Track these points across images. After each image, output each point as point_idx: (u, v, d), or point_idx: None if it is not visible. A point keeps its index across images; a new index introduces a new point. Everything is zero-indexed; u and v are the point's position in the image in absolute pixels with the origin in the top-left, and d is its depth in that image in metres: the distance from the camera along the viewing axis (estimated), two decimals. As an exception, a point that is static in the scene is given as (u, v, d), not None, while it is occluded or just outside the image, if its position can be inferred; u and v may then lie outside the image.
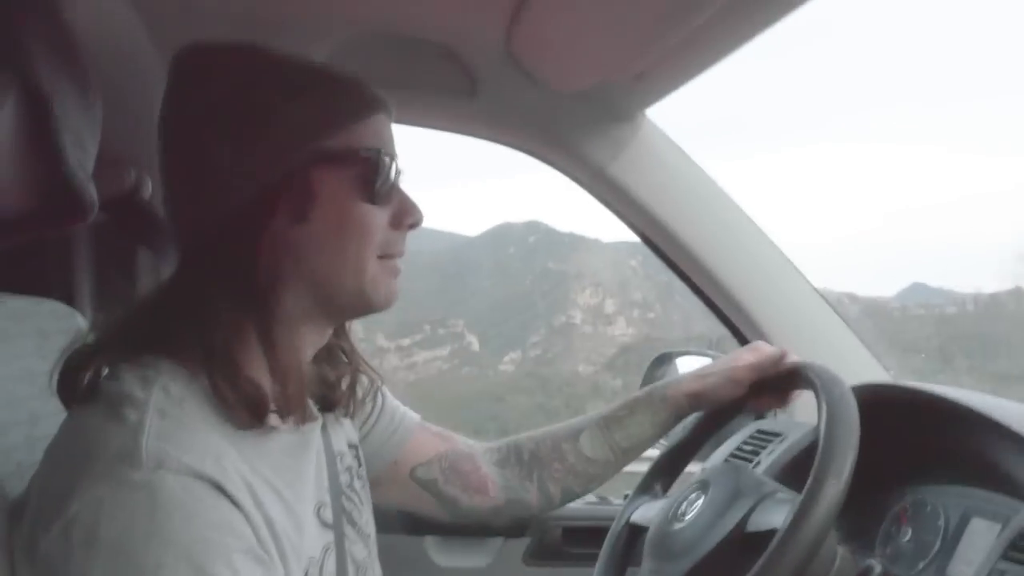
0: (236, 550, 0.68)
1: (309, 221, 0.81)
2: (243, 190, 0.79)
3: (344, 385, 0.99)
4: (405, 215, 0.88)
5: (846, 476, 0.89)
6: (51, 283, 1.12)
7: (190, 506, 0.67)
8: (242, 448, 0.75)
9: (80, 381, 0.78)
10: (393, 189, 0.86)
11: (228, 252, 0.79)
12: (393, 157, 0.86)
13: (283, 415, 0.81)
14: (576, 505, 1.69)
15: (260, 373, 0.80)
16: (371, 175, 0.83)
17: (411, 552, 1.61)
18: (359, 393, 1.02)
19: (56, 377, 0.79)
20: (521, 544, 1.65)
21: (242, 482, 0.72)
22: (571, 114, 1.49)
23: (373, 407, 1.11)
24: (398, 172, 0.87)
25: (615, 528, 1.21)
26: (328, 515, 0.87)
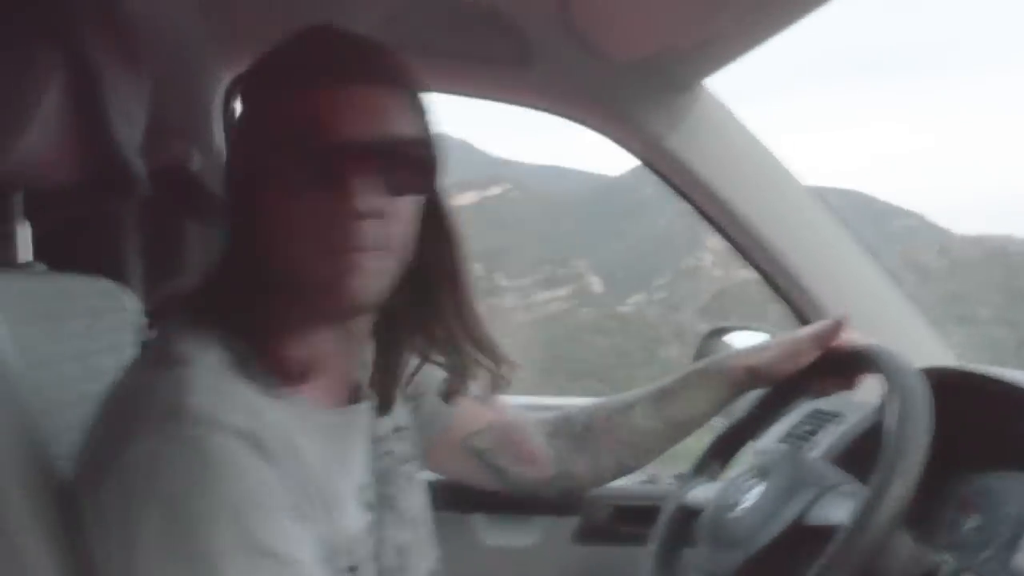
0: (280, 508, 0.70)
1: (264, 211, 0.78)
2: (236, 167, 0.82)
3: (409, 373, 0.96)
4: (352, 203, 0.76)
5: (916, 474, 0.86)
6: (101, 261, 1.12)
7: (237, 464, 0.69)
8: (287, 418, 0.77)
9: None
10: (342, 174, 0.75)
11: (243, 230, 0.81)
12: (338, 137, 0.76)
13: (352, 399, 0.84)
14: (626, 484, 1.67)
15: (300, 348, 0.81)
16: (304, 159, 0.75)
17: (457, 530, 1.60)
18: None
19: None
20: (570, 523, 1.63)
21: (284, 442, 0.73)
22: (628, 84, 1.44)
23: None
24: (349, 153, 0.76)
25: (669, 508, 1.19)
26: (369, 497, 0.87)
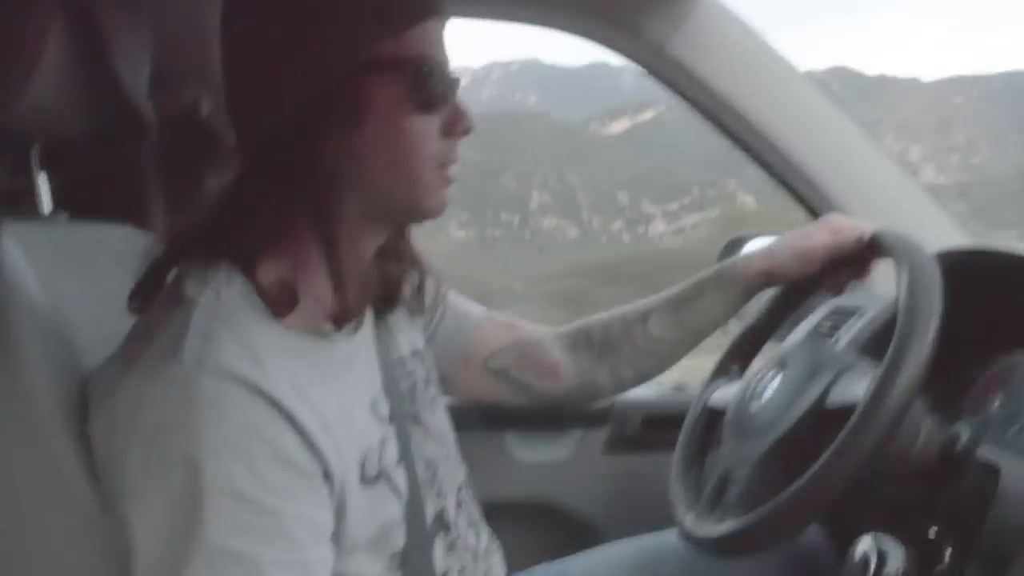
0: (260, 455, 0.71)
1: (362, 130, 0.81)
2: (296, 96, 0.80)
3: (407, 286, 1.01)
4: (456, 123, 0.87)
5: (929, 343, 0.85)
6: (124, 208, 1.14)
7: (220, 407, 0.71)
8: (289, 346, 0.79)
9: (151, 287, 0.83)
10: (444, 97, 0.85)
11: (286, 158, 0.80)
12: (444, 64, 0.85)
13: (340, 322, 0.83)
14: (654, 393, 1.71)
15: (316, 279, 0.83)
16: (420, 84, 0.82)
17: (490, 448, 1.64)
18: (425, 295, 1.05)
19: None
20: (601, 434, 1.67)
21: (285, 381, 0.74)
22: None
23: (436, 306, 1.13)
24: (450, 79, 0.85)
25: (692, 413, 1.21)
26: (383, 411, 0.89)
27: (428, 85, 0.83)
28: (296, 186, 0.80)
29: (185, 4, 1.14)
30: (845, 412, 0.88)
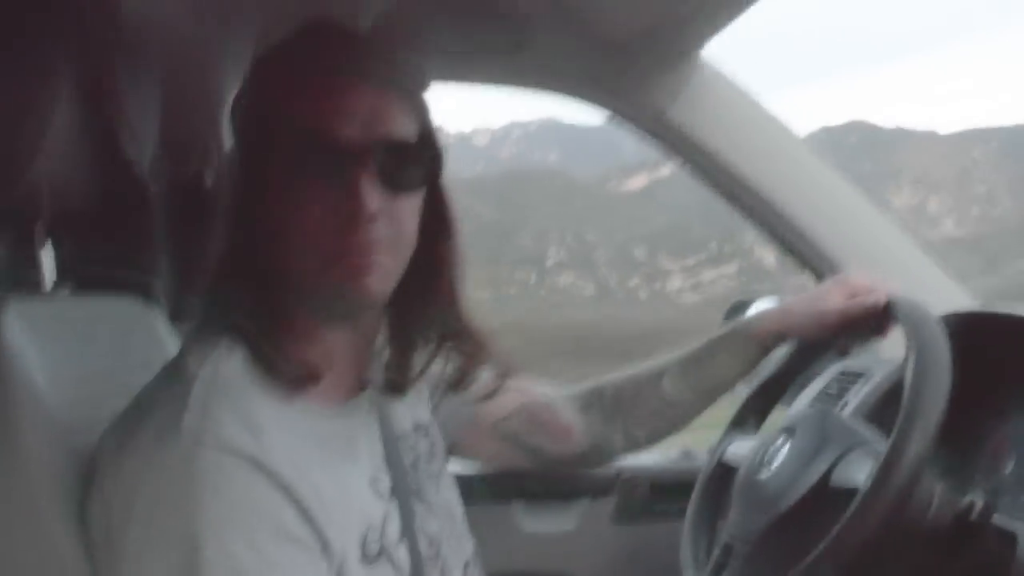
0: (260, 529, 0.71)
1: (270, 215, 0.79)
2: (235, 181, 0.83)
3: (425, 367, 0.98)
4: (344, 203, 0.77)
5: (931, 433, 0.85)
6: (128, 280, 1.15)
7: (220, 484, 0.70)
8: (288, 421, 0.78)
9: None
10: (349, 176, 0.76)
11: (242, 245, 0.82)
12: (342, 138, 0.77)
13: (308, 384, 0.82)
14: (661, 461, 1.68)
15: (308, 349, 0.83)
16: (295, 157, 0.77)
17: (497, 519, 1.60)
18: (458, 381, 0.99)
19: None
20: (608, 503, 1.64)
21: (284, 455, 0.74)
22: (625, 59, 1.43)
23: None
24: (354, 154, 0.77)
25: (708, 467, 1.20)
26: (384, 487, 0.88)
27: (302, 158, 0.77)
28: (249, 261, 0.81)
29: (190, 74, 1.17)
30: (848, 493, 0.88)
